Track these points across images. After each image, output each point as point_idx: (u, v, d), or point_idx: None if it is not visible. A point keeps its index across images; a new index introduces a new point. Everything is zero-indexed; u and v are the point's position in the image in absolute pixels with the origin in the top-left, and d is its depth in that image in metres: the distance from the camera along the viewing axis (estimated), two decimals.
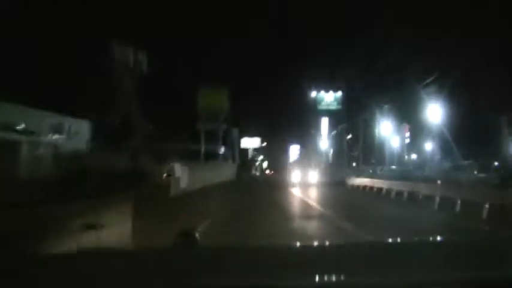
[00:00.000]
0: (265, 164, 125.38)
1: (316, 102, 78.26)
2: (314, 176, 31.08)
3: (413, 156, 74.61)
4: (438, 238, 2.64)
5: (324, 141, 75.29)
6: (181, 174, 21.11)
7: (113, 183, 17.42)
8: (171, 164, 20.45)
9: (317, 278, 1.32)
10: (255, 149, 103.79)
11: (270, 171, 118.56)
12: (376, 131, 50.38)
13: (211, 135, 45.90)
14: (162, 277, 1.31)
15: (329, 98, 78.45)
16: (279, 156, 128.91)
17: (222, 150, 56.44)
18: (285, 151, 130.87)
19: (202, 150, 43.63)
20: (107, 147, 20.27)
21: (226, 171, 44.95)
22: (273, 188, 29.12)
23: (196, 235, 1.78)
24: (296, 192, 25.94)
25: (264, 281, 1.29)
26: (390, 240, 2.74)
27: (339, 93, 77.21)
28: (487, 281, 1.35)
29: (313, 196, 23.82)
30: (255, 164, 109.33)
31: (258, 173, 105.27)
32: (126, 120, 20.93)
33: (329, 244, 2.24)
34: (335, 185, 30.93)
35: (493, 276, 1.38)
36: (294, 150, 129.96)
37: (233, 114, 52.95)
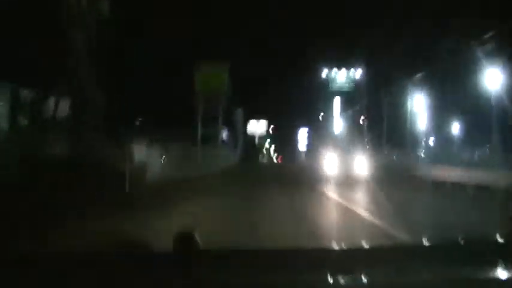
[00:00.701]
0: (272, 149, 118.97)
1: (328, 81, 70.76)
2: (356, 163, 22.05)
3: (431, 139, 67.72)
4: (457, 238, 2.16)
5: (337, 123, 68.35)
6: (148, 160, 14.27)
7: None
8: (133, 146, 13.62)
9: (320, 279, 1.30)
10: (260, 137, 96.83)
11: (279, 158, 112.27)
12: (405, 108, 42.98)
13: (211, 117, 39.05)
14: (162, 280, 1.27)
15: (341, 77, 70.84)
16: (287, 140, 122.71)
17: (225, 134, 49.62)
18: (294, 135, 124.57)
19: (199, 132, 36.83)
20: (40, 126, 13.48)
21: (228, 157, 38.09)
22: (291, 185, 19.03)
23: (197, 238, 1.55)
24: (343, 200, 14.05)
25: (269, 283, 1.27)
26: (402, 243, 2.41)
27: (352, 72, 69.69)
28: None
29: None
30: (262, 150, 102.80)
31: (265, 160, 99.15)
32: (75, 88, 14.06)
33: (339, 248, 1.94)
34: (403, 181, 18.99)
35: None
36: (303, 134, 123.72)
37: (236, 93, 46.06)
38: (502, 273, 1.39)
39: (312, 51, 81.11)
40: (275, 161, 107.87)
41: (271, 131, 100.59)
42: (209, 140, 37.32)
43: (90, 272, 1.33)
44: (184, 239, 1.61)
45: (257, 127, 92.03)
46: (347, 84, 68.89)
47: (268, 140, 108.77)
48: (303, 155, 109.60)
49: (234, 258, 1.59)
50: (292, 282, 1.31)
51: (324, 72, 71.43)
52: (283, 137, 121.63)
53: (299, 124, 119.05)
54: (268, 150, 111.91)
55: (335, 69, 70.74)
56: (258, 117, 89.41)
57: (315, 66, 73.08)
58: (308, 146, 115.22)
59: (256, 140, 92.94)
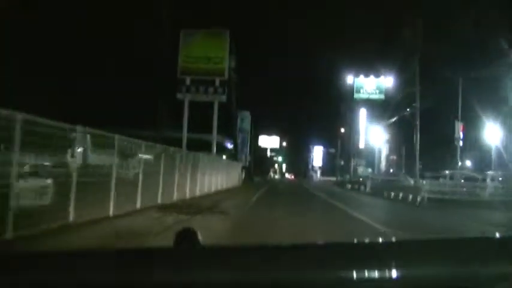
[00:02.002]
0: (284, 166, 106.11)
1: (353, 90, 57.52)
2: None
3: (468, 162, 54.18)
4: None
5: (363, 137, 55.26)
6: None
7: None
8: None
9: (320, 276, 1.23)
10: (272, 149, 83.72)
11: (291, 175, 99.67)
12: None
13: (205, 117, 26.43)
14: (162, 277, 1.20)
15: (370, 85, 57.77)
16: (300, 157, 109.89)
17: (228, 141, 36.57)
18: (308, 152, 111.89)
19: (185, 136, 24.34)
20: None
21: (224, 173, 25.09)
22: None
23: (198, 234, 1.49)
24: None
25: (268, 281, 1.20)
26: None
27: (382, 79, 56.43)
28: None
29: None
30: (274, 166, 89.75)
31: (277, 176, 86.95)
32: None
33: (344, 243, 1.73)
34: None
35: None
36: (317, 152, 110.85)
37: (241, 85, 33.45)
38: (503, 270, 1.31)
39: (334, 56, 68.62)
40: (287, 177, 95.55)
41: (284, 144, 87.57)
42: (201, 148, 24.82)
43: (90, 269, 1.23)
44: (185, 235, 1.53)
45: (269, 142, 79.22)
46: (377, 90, 55.66)
47: (281, 156, 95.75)
48: (318, 174, 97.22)
49: (236, 255, 1.40)
50: (295, 279, 1.19)
51: (350, 79, 58.76)
52: (295, 154, 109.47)
53: (313, 142, 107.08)
54: (280, 166, 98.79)
55: (362, 76, 58.16)
56: (270, 133, 76.74)
57: (340, 73, 60.96)
58: (323, 164, 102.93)
59: (268, 153, 79.62)
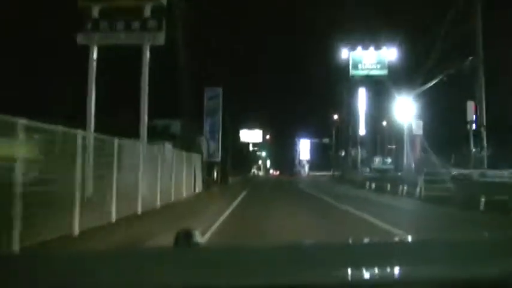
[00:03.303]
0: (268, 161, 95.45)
1: (349, 65, 46.41)
2: None
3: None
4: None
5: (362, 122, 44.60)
6: None
7: None
8: None
9: (319, 276, 1.20)
10: (254, 144, 72.55)
11: (276, 171, 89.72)
12: None
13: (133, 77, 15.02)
14: (162, 277, 1.20)
15: (369, 59, 46.83)
16: (286, 151, 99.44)
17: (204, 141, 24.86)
18: (294, 146, 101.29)
19: (92, 110, 12.68)
20: None
21: (163, 172, 13.46)
22: None
23: (197, 235, 1.51)
24: None
25: (267, 281, 1.18)
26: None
27: (384, 51, 45.47)
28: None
29: None
30: (257, 162, 78.76)
31: (261, 173, 76.64)
32: None
33: (343, 242, 1.83)
34: None
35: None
36: (304, 145, 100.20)
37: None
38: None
39: (325, 25, 57.55)
40: (271, 173, 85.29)
41: (268, 137, 76.44)
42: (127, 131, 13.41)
43: (90, 269, 1.26)
44: (185, 236, 1.55)
45: (251, 136, 67.86)
46: (379, 65, 44.78)
47: (264, 151, 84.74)
48: (306, 169, 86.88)
49: (235, 255, 1.43)
50: (295, 278, 1.17)
51: (344, 53, 47.85)
52: (282, 148, 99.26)
53: (299, 134, 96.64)
54: (264, 161, 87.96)
55: (360, 48, 47.31)
56: (251, 125, 65.28)
57: (330, 47, 50.09)
58: (312, 157, 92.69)
59: (251, 148, 68.11)
